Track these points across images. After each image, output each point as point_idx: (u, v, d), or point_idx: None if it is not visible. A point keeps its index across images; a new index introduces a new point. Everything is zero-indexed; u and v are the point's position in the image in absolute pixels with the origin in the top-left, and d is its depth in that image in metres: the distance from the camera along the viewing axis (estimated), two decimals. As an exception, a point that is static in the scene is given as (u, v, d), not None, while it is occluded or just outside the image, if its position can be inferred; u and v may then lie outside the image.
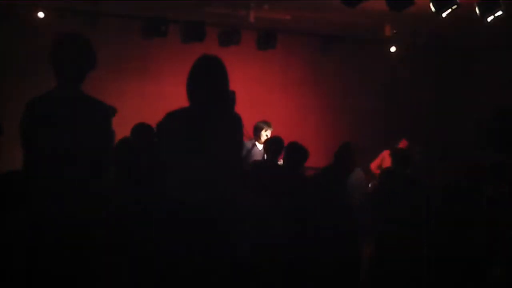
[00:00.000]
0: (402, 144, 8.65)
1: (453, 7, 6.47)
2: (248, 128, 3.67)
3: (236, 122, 3.40)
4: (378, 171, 7.88)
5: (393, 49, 9.32)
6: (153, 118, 4.84)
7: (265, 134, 7.10)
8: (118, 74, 8.35)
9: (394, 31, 8.70)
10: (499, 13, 6.66)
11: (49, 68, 3.20)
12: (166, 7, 7.79)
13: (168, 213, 3.29)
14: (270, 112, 8.49)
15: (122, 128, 5.25)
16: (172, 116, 3.31)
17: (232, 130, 3.38)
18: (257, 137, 7.10)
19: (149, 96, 8.56)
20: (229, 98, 3.44)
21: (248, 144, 6.81)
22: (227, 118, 3.38)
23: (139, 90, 8.57)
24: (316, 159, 5.94)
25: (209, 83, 3.31)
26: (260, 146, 7.01)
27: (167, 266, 3.35)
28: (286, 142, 5.49)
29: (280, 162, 5.61)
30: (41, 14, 7.71)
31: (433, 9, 6.60)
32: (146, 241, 4.18)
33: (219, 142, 3.28)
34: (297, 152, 5.17)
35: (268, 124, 7.21)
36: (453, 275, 4.80)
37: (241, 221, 3.52)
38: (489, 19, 6.73)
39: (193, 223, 3.19)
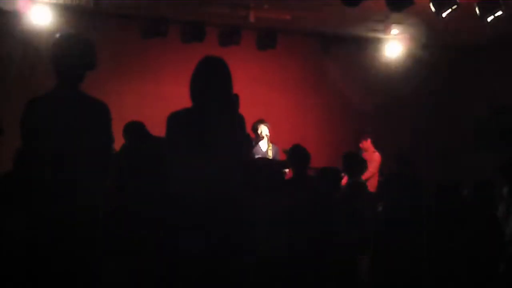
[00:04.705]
0: (365, 142, 8.55)
1: (453, 7, 6.48)
2: (248, 128, 3.67)
3: (239, 122, 3.40)
4: None
5: (393, 49, 9.31)
6: (153, 117, 4.84)
7: (261, 131, 7.25)
8: (118, 74, 8.33)
9: (394, 31, 8.69)
10: (499, 13, 6.67)
11: (48, 67, 3.20)
12: (166, 7, 7.78)
13: (170, 214, 3.29)
14: (270, 112, 8.49)
15: (121, 128, 5.26)
16: (175, 117, 3.30)
17: (236, 131, 3.38)
18: (256, 136, 7.21)
19: (148, 96, 8.55)
20: (233, 99, 3.43)
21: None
22: (230, 119, 3.37)
23: (138, 90, 8.55)
24: (317, 159, 5.93)
25: (213, 84, 3.31)
26: (259, 145, 7.18)
27: (168, 266, 3.35)
28: (285, 142, 5.49)
29: None
30: (41, 14, 7.69)
31: (433, 9, 6.61)
32: (147, 241, 4.17)
33: (222, 142, 3.28)
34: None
35: (261, 121, 7.31)
36: (454, 274, 4.79)
37: (244, 221, 3.51)
38: (489, 19, 6.74)
39: (195, 224, 3.19)
